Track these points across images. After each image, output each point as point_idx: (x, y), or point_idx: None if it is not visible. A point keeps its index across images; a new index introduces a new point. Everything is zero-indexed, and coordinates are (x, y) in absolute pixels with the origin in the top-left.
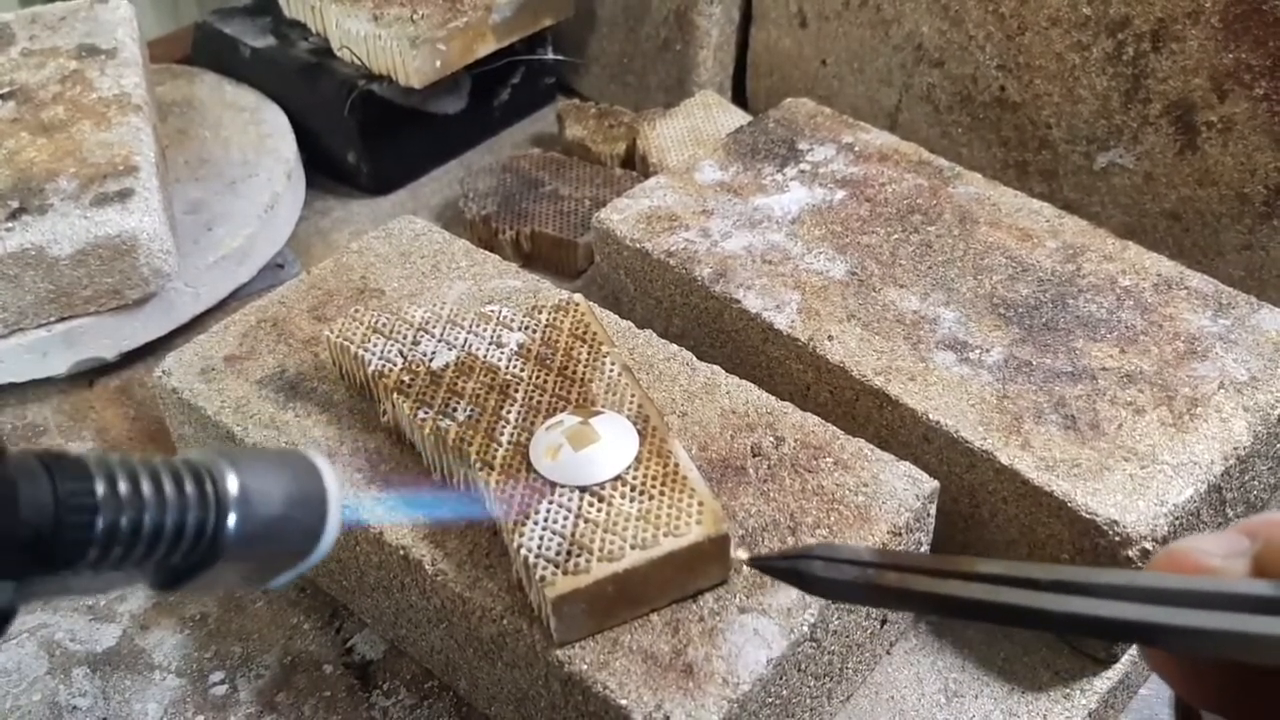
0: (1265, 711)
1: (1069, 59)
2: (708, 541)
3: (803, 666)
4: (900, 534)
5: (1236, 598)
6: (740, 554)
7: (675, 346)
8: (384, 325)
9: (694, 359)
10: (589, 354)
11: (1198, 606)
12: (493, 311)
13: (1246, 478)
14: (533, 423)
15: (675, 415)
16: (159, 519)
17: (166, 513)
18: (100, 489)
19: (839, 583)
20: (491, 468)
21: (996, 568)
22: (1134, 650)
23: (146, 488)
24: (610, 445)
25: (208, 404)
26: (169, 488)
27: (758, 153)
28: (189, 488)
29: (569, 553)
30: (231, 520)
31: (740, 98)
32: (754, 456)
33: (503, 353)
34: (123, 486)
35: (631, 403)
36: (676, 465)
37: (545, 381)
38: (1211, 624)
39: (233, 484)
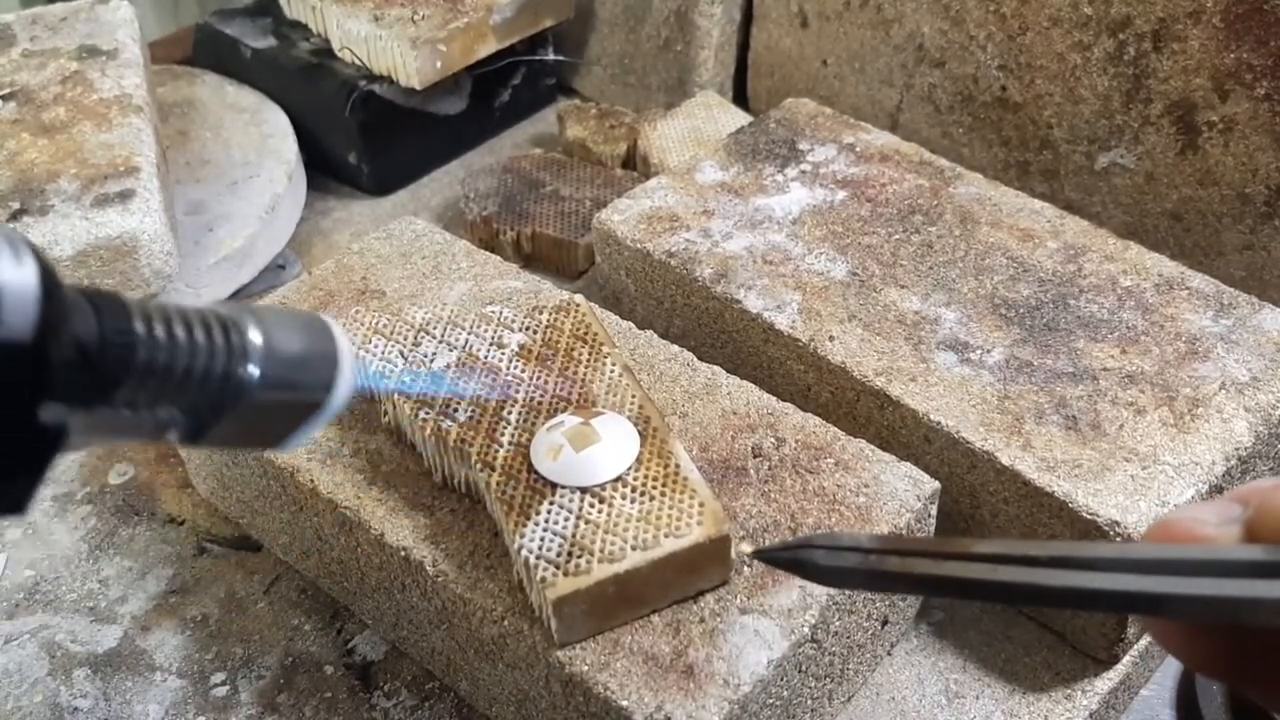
0: (1266, 673)
1: (1070, 59)
2: (708, 542)
3: (803, 667)
4: (902, 535)
5: (1230, 564)
6: (744, 547)
7: (676, 347)
8: (385, 326)
9: (695, 360)
10: (590, 355)
11: (1193, 574)
12: (493, 312)
13: (1248, 478)
14: (534, 424)
15: (676, 416)
16: (189, 361)
17: (196, 355)
18: (139, 327)
19: (842, 570)
20: (492, 469)
21: (995, 547)
22: (1135, 650)
23: (179, 330)
24: (611, 446)
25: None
26: (199, 333)
27: (758, 153)
28: (217, 335)
29: (570, 554)
30: (253, 367)
31: (741, 98)
32: (755, 457)
33: (503, 353)
34: (158, 328)
35: (632, 403)
36: (677, 466)
37: (546, 382)
38: (1207, 590)
39: (255, 335)
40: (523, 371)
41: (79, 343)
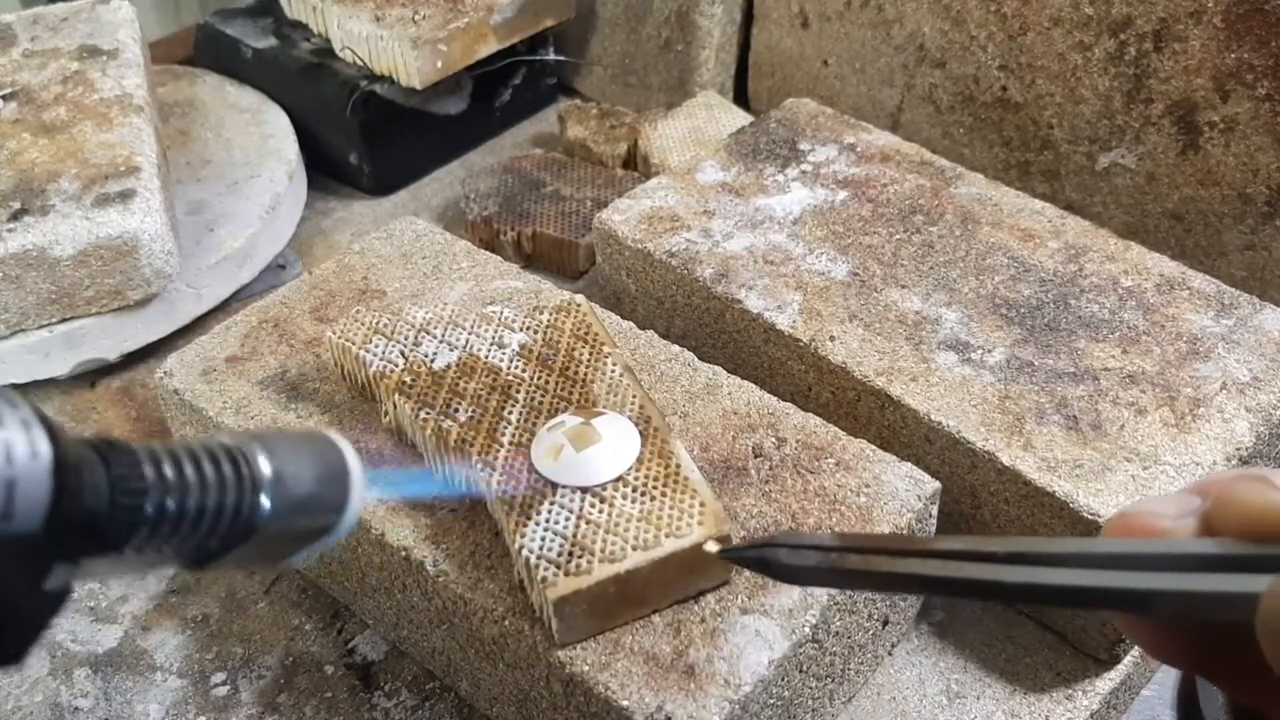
0: (1228, 664)
1: (1071, 59)
2: (709, 542)
3: (804, 668)
4: (901, 534)
5: (1186, 558)
6: (710, 546)
7: (677, 347)
8: (385, 326)
9: (695, 359)
10: (590, 355)
11: (1149, 569)
12: (494, 312)
13: None
14: (534, 423)
15: (677, 416)
16: (201, 500)
17: (207, 494)
18: (149, 472)
19: (804, 569)
20: (493, 468)
21: (955, 544)
22: (1136, 651)
23: (189, 470)
24: (612, 446)
25: (209, 405)
26: (208, 470)
27: (759, 153)
28: (226, 470)
29: (570, 554)
30: (265, 500)
31: (742, 98)
32: (755, 457)
33: (504, 353)
34: (168, 470)
35: (633, 403)
36: (678, 466)
37: (547, 382)
38: (1162, 585)
39: (265, 465)
40: (523, 373)
41: (89, 511)
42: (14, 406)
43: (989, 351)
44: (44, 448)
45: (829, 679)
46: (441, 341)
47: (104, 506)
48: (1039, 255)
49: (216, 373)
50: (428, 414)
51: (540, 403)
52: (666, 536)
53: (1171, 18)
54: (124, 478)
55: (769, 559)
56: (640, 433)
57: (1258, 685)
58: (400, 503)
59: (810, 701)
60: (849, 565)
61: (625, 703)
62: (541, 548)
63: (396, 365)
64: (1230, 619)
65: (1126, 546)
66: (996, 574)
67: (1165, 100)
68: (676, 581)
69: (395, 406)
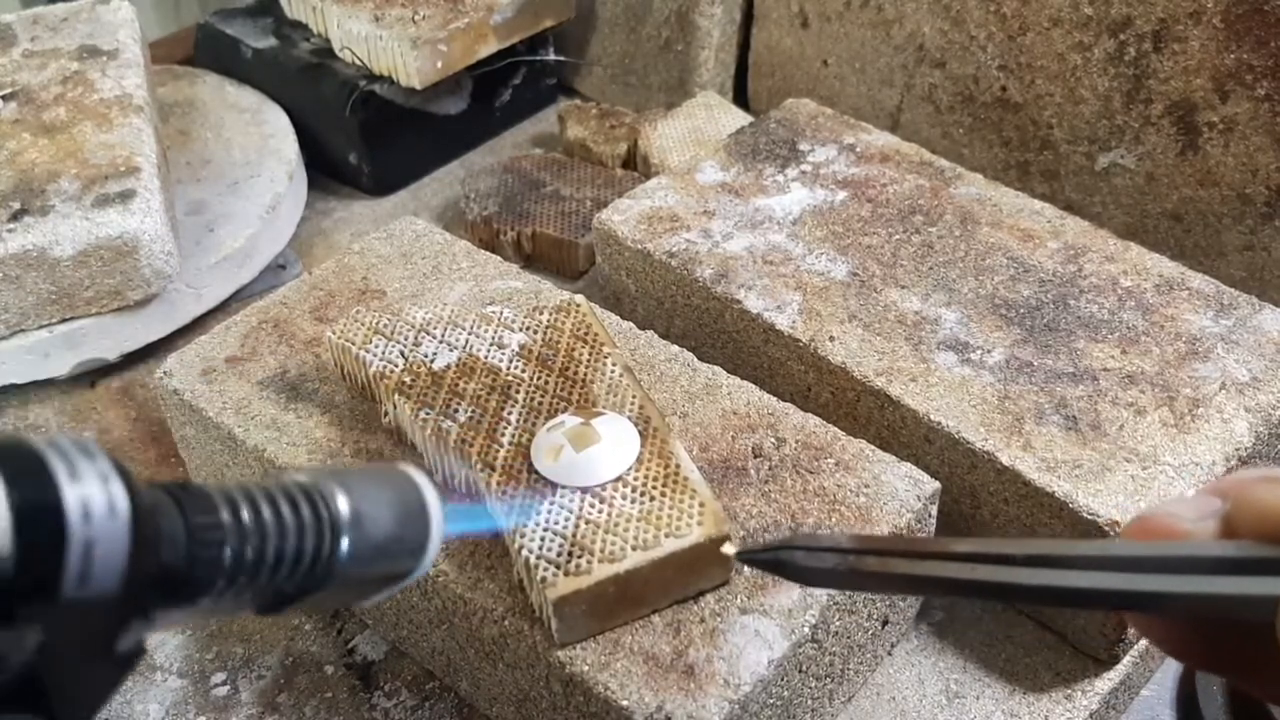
0: (1248, 664)
1: (1070, 59)
2: (709, 542)
3: (804, 667)
4: (903, 535)
5: (1207, 560)
6: (728, 548)
7: (676, 347)
8: (385, 326)
9: (695, 360)
10: (590, 355)
11: (1170, 571)
12: (494, 312)
13: None
14: (534, 424)
15: (676, 416)
16: (280, 546)
17: (286, 539)
18: (226, 519)
19: (820, 570)
20: (492, 469)
21: (972, 546)
22: (1136, 651)
23: (267, 514)
24: (611, 446)
25: (209, 405)
26: (286, 513)
27: (759, 153)
28: (305, 512)
29: (570, 554)
30: (344, 543)
31: (741, 98)
32: (755, 457)
33: (504, 354)
34: (245, 515)
35: (633, 404)
36: (678, 466)
37: (546, 382)
38: (1183, 588)
39: (344, 505)
40: (523, 373)
41: (166, 565)
42: (91, 459)
43: (988, 352)
44: (122, 504)
45: (828, 679)
46: (441, 342)
47: (182, 558)
48: (1038, 255)
49: (216, 373)
50: (428, 414)
51: (540, 403)
52: (666, 536)
53: (1171, 18)
54: (202, 527)
55: (785, 561)
56: (640, 433)
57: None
58: (474, 539)
59: (810, 701)
60: (866, 567)
61: (625, 703)
62: (541, 548)
63: (396, 365)
64: (1251, 620)
65: (1146, 549)
66: (1015, 576)
67: (1165, 100)
68: (676, 581)
69: (395, 407)
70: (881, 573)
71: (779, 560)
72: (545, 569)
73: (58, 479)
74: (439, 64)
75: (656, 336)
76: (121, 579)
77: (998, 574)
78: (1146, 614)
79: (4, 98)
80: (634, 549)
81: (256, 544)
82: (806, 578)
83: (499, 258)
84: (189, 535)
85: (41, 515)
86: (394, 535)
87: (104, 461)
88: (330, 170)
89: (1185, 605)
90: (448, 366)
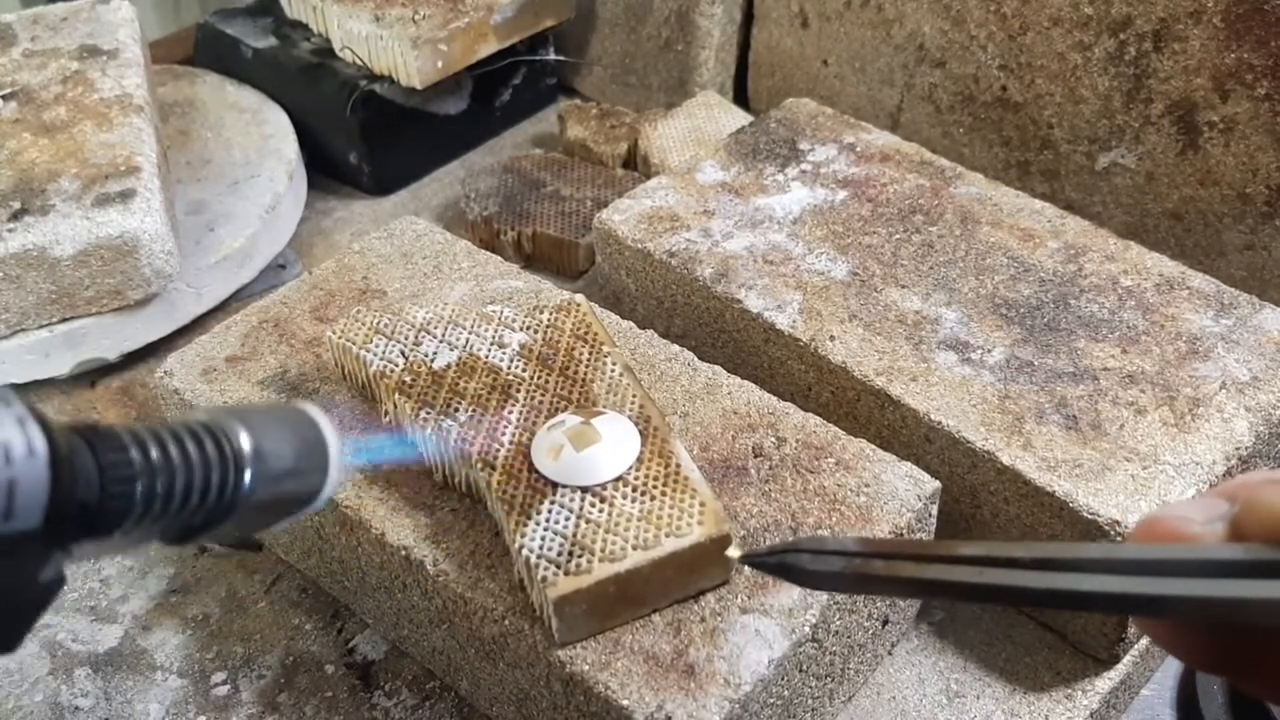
0: (1257, 667)
1: (1071, 59)
2: (709, 542)
3: (804, 667)
4: (902, 534)
5: (1215, 563)
6: (732, 551)
7: (676, 347)
8: (386, 326)
9: (695, 359)
10: (590, 354)
11: (1177, 575)
12: (494, 312)
13: None
14: (534, 423)
15: (677, 415)
16: (187, 480)
17: (193, 474)
18: (136, 457)
19: (827, 574)
20: (493, 468)
21: (979, 549)
22: (1136, 650)
23: (174, 451)
24: (612, 446)
25: (209, 405)
26: (192, 450)
27: (759, 153)
28: (209, 448)
29: (570, 553)
30: (247, 476)
31: (742, 98)
32: (755, 457)
33: (504, 353)
34: (154, 453)
35: (633, 403)
36: (678, 466)
37: (547, 382)
38: (1191, 591)
39: (245, 441)
40: (523, 373)
41: (82, 502)
42: (8, 404)
43: (989, 351)
44: (40, 445)
45: (829, 678)
46: (441, 341)
47: (96, 495)
48: (1039, 255)
49: (216, 373)
50: (428, 413)
51: (540, 402)
52: (666, 536)
53: (1171, 18)
54: (113, 464)
55: (790, 564)
56: (640, 432)
57: None
58: (375, 469)
59: (810, 701)
60: (873, 571)
61: (625, 702)
62: (541, 547)
63: (396, 365)
64: (1258, 624)
65: (1154, 552)
66: (1022, 580)
67: (1165, 100)
68: (676, 581)
69: (395, 406)
70: (888, 576)
71: (784, 564)
72: (546, 568)
73: None
74: (439, 64)
75: (656, 336)
76: (42, 515)
77: (1005, 578)
78: (1154, 617)
79: (4, 97)
80: (634, 548)
81: (165, 480)
82: (812, 581)
83: (499, 258)
84: (102, 473)
85: None
86: (294, 466)
87: (19, 406)
88: (330, 170)
89: (1193, 609)
90: (448, 366)
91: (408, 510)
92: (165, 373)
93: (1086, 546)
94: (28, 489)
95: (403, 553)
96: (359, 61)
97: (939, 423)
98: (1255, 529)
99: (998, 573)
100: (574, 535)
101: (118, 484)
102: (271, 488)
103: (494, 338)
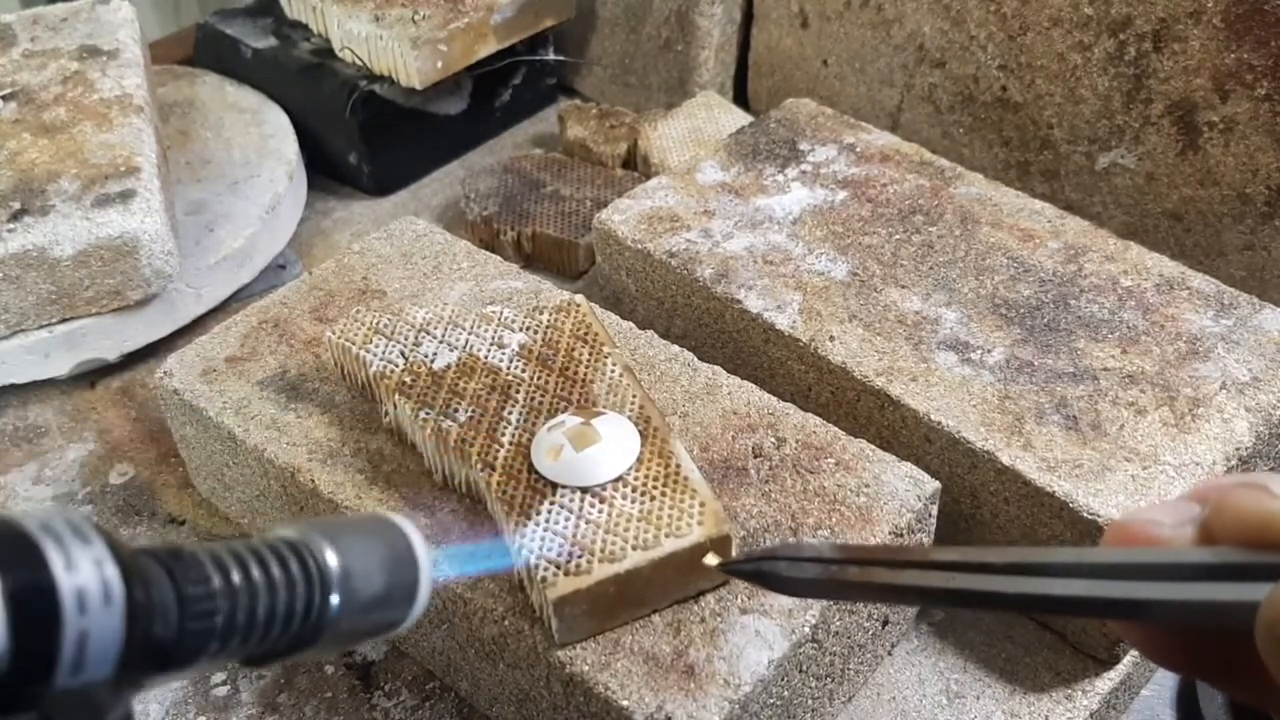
0: (1228, 668)
1: (1071, 59)
2: (709, 542)
3: (804, 667)
4: (902, 535)
5: (1185, 567)
6: (710, 559)
7: (676, 347)
8: (385, 326)
9: (695, 360)
10: (590, 355)
11: (1149, 578)
12: (494, 312)
13: None
14: (534, 423)
15: (676, 416)
16: (270, 605)
17: (276, 599)
18: (217, 585)
19: (803, 581)
20: (493, 468)
21: (952, 554)
22: (1136, 651)
23: (256, 575)
24: (612, 446)
25: (209, 405)
26: (276, 572)
27: (759, 153)
28: (294, 569)
29: (570, 553)
30: (334, 599)
31: (741, 98)
32: (755, 457)
33: (504, 353)
34: (235, 578)
35: (633, 403)
36: (678, 466)
37: (547, 382)
38: (1161, 595)
39: (333, 560)
40: (523, 373)
41: (159, 641)
42: (86, 543)
43: (989, 351)
44: (117, 591)
45: (829, 679)
46: (441, 341)
47: (174, 633)
48: (1039, 255)
49: (216, 373)
50: (428, 414)
51: (540, 403)
52: (666, 536)
53: (1171, 18)
54: (194, 598)
55: (766, 572)
56: (640, 433)
57: (1258, 689)
58: (469, 581)
59: (810, 701)
60: (848, 577)
61: (625, 703)
62: (541, 548)
63: (396, 365)
64: (1229, 627)
65: (1125, 556)
66: (993, 585)
67: (1165, 100)
68: (676, 581)
69: (395, 407)
70: (863, 582)
71: (761, 571)
72: (545, 569)
73: (53, 569)
74: (439, 64)
75: (656, 336)
76: (115, 665)
77: (976, 582)
78: (1125, 620)
79: (4, 98)
80: (634, 549)
81: (247, 606)
82: (789, 588)
83: (499, 258)
84: (181, 607)
85: (37, 608)
86: (383, 588)
87: (99, 545)
88: (330, 170)
89: (1164, 612)
90: (448, 366)
91: (408, 510)
92: (165, 373)
93: (1058, 550)
94: (101, 640)
95: None
96: (359, 62)
97: (939, 423)
98: (1225, 532)
99: (969, 577)
100: (574, 535)
101: (198, 620)
102: (360, 609)
103: (494, 338)
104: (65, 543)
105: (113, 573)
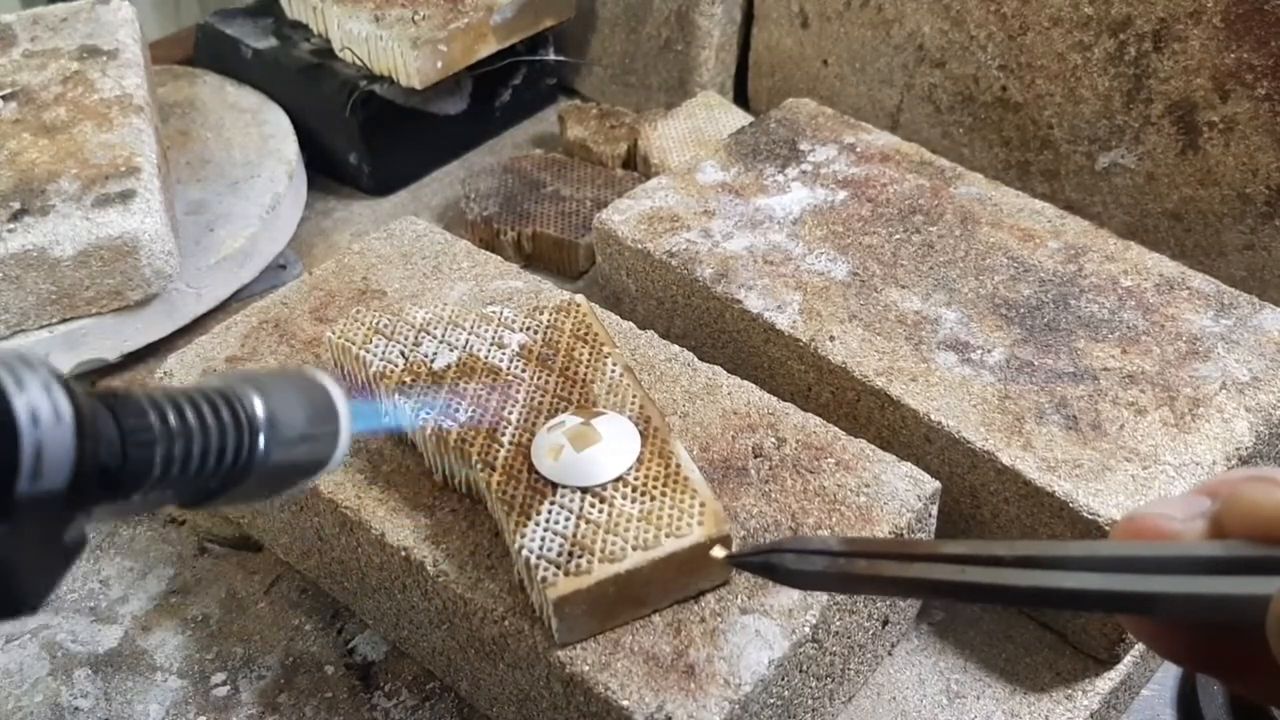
0: (1237, 663)
1: (1071, 59)
2: (709, 542)
3: (804, 667)
4: (902, 535)
5: (1196, 560)
6: (717, 552)
7: (676, 347)
8: (385, 326)
9: (695, 360)
10: (590, 355)
11: (1159, 572)
12: (494, 312)
13: None
14: (534, 423)
15: (676, 416)
16: (204, 445)
17: (209, 439)
18: (155, 422)
19: (811, 574)
20: (493, 468)
21: (961, 548)
22: (1136, 650)
23: (191, 417)
24: (612, 446)
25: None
26: (208, 415)
27: (759, 153)
28: (225, 414)
29: (570, 554)
30: (261, 441)
31: (742, 98)
32: (755, 457)
33: (504, 354)
34: (172, 418)
35: (633, 403)
36: (678, 466)
37: (547, 382)
38: (1172, 589)
39: (259, 407)
40: (523, 371)
41: (104, 465)
42: (34, 369)
43: (989, 351)
44: (66, 409)
45: (829, 679)
46: (441, 341)
47: (118, 458)
48: (1039, 255)
49: (216, 373)
50: (427, 414)
51: (540, 403)
52: (666, 536)
53: (1171, 18)
54: (134, 429)
55: (774, 564)
56: (640, 433)
57: (1269, 684)
58: (378, 435)
59: (810, 701)
60: (856, 570)
61: (625, 703)
62: (541, 548)
63: (396, 365)
64: (1240, 621)
65: (1135, 549)
66: (1004, 578)
67: (1165, 100)
68: (676, 581)
69: (395, 407)
70: (871, 575)
71: (769, 564)
72: (546, 569)
73: (6, 388)
74: (439, 64)
75: (656, 336)
76: (69, 476)
77: (987, 575)
78: (1137, 615)
79: (4, 98)
80: (634, 549)
81: (183, 444)
82: (797, 581)
83: (499, 258)
84: (123, 438)
85: None
86: (306, 433)
87: (45, 371)
88: (330, 170)
89: (1175, 606)
90: (448, 366)
91: (408, 511)
92: (165, 373)
93: (1069, 544)
94: (54, 451)
95: (403, 553)
96: (359, 62)
97: (939, 423)
98: (1236, 526)
99: (979, 571)
100: (574, 535)
101: (138, 448)
102: (285, 452)
103: (494, 338)
104: (15, 369)
105: (60, 394)
